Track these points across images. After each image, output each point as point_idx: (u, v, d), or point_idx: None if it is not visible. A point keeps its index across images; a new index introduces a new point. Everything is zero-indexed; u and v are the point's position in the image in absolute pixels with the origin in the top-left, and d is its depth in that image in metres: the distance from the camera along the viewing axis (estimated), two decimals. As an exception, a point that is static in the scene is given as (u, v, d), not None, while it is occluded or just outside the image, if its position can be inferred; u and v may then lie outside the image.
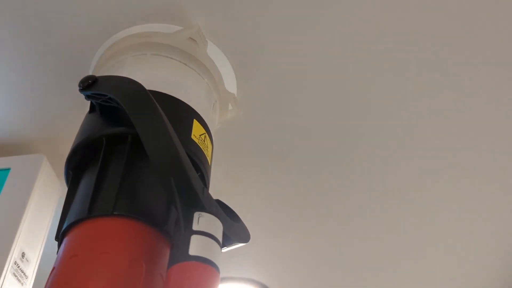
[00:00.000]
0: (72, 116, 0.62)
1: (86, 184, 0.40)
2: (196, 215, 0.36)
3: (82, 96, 0.58)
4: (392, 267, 0.87)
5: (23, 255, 0.54)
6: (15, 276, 0.53)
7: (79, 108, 0.60)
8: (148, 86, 0.42)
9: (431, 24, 0.53)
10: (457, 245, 0.82)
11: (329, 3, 0.52)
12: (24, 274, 0.55)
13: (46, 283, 0.34)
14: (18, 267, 0.53)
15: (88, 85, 0.42)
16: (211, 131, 0.49)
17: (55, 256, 0.37)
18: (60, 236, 0.38)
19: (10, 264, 0.52)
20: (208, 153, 0.46)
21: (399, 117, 0.63)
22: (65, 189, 0.66)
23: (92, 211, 0.36)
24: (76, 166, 0.42)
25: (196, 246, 0.34)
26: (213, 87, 0.53)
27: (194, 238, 0.35)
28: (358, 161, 0.69)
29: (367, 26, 0.54)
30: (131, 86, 0.40)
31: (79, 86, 0.43)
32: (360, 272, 0.90)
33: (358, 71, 0.58)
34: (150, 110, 0.38)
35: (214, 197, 0.40)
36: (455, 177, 0.70)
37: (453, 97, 0.60)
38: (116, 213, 0.36)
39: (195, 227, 0.35)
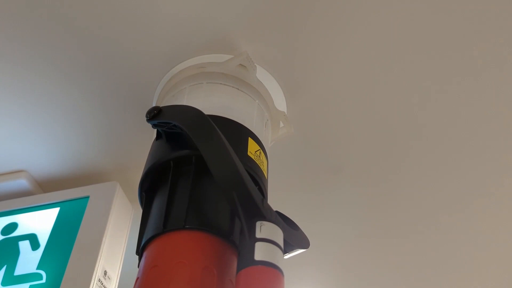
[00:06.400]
0: (139, 146, 0.68)
1: (159, 203, 0.45)
2: (258, 224, 0.40)
3: (147, 127, 0.64)
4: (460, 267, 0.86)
5: (105, 273, 0.60)
6: (100, 292, 0.59)
7: (145, 139, 0.67)
8: (206, 111, 0.46)
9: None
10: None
11: (372, 23, 0.55)
12: (107, 290, 0.60)
13: (133, 291, 0.39)
14: (102, 284, 0.59)
15: (154, 115, 0.47)
16: (266, 148, 0.53)
17: (132, 274, 0.42)
18: (140, 251, 0.43)
19: (95, 281, 0.58)
20: (264, 168, 0.50)
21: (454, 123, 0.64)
22: (136, 211, 0.72)
23: (166, 226, 0.41)
24: (148, 188, 0.48)
25: (261, 252, 0.38)
26: (264, 107, 0.57)
27: (258, 245, 0.38)
28: (413, 172, 0.70)
29: (412, 44, 0.56)
30: (192, 113, 0.45)
31: (146, 116, 0.48)
32: (424, 280, 0.89)
33: (406, 87, 0.60)
34: (210, 134, 0.43)
35: (274, 209, 0.44)
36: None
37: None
38: (187, 226, 0.40)
39: (258, 235, 0.39)
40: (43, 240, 0.63)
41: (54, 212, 0.66)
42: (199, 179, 0.44)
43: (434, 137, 0.65)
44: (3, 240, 0.64)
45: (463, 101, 0.62)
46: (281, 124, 0.61)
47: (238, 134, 0.49)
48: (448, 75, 0.59)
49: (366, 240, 0.81)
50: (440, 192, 0.72)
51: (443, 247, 0.80)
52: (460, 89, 0.60)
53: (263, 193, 0.47)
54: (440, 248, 0.80)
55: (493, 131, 0.64)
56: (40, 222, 0.65)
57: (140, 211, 0.74)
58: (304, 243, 0.47)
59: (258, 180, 0.47)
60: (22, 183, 0.70)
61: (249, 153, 0.48)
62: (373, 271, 0.88)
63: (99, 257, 0.59)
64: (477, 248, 0.80)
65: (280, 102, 0.61)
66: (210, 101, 0.53)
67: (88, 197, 0.66)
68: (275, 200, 0.56)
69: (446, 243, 0.80)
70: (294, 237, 0.45)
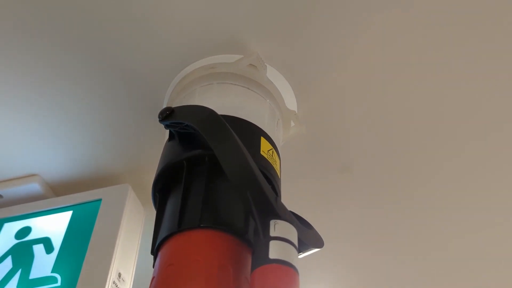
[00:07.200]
0: (150, 148, 0.69)
1: (173, 202, 0.45)
2: (272, 222, 0.40)
3: (158, 129, 0.64)
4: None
5: (119, 275, 0.60)
6: (114, 294, 0.59)
7: (156, 141, 0.67)
8: (218, 111, 0.46)
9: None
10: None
11: (383, 21, 0.55)
12: (122, 292, 0.60)
13: (149, 290, 0.39)
14: (116, 286, 0.59)
15: (167, 115, 0.47)
16: (278, 147, 0.53)
17: (146, 275, 0.42)
18: (155, 250, 0.43)
19: (110, 284, 0.58)
20: (277, 167, 0.50)
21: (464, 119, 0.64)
22: (148, 213, 0.72)
23: (181, 225, 0.41)
24: (162, 189, 0.48)
25: (275, 250, 0.38)
26: (275, 107, 0.57)
27: (272, 243, 0.38)
28: (425, 172, 0.69)
29: (426, 39, 0.56)
30: (205, 113, 0.45)
31: (159, 117, 0.48)
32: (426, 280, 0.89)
33: (417, 86, 0.60)
34: (224, 133, 0.43)
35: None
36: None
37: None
38: (202, 225, 0.40)
39: (272, 233, 0.39)
40: (57, 243, 0.63)
41: (67, 216, 0.66)
42: (212, 178, 0.44)
43: (447, 137, 0.65)
44: (17, 244, 0.65)
45: (480, 100, 0.61)
46: (292, 123, 0.61)
47: (251, 133, 0.49)
48: (465, 74, 0.59)
49: (375, 240, 0.81)
50: (452, 192, 0.71)
51: (456, 247, 0.80)
52: (478, 88, 0.60)
53: (276, 192, 0.47)
54: (454, 248, 0.80)
55: None
56: (53, 226, 0.66)
57: (152, 212, 0.74)
58: (318, 242, 0.46)
59: (271, 179, 0.47)
60: (34, 187, 0.70)
61: (262, 153, 0.48)
62: (382, 271, 0.87)
63: (113, 259, 0.60)
64: (495, 247, 0.79)
65: (290, 101, 0.61)
66: (222, 102, 0.53)
67: (100, 200, 0.67)
68: (283, 198, 0.56)
69: (461, 244, 0.79)
70: (308, 236, 0.45)
